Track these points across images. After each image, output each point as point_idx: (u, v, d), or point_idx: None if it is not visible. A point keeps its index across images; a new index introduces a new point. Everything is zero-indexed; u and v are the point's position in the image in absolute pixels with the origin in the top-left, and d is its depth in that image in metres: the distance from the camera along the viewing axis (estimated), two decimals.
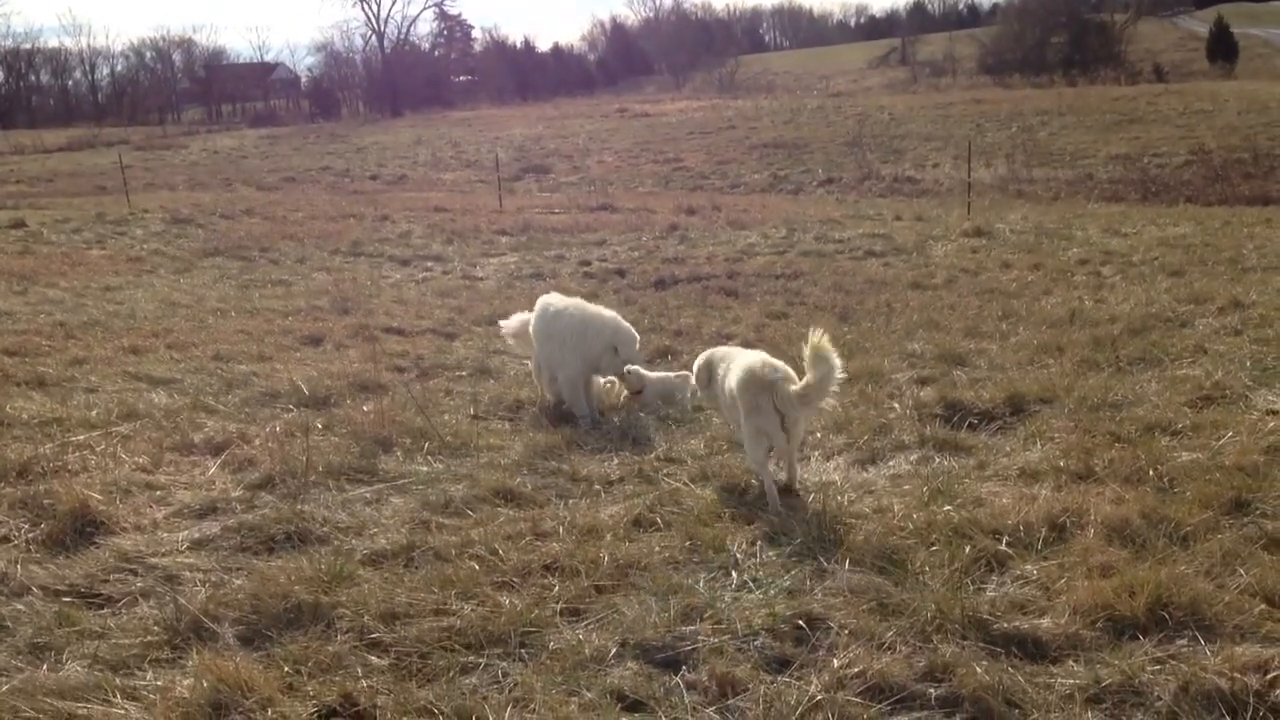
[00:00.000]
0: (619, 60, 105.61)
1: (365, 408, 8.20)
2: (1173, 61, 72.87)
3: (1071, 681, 4.11)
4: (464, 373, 9.81)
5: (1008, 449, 7.02)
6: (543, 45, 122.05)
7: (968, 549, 5.20)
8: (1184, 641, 4.33)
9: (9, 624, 4.83)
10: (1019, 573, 5.02)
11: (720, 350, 7.17)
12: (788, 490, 6.36)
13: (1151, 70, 67.57)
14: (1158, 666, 4.17)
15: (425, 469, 6.92)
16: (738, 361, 6.55)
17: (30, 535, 5.77)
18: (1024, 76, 70.43)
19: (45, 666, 4.43)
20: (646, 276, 15.30)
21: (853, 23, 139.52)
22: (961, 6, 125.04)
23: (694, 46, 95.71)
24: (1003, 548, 5.25)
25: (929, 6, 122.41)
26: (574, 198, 29.30)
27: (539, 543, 5.63)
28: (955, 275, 14.36)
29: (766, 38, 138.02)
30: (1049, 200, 26.56)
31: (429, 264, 17.58)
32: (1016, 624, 4.52)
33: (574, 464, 7.00)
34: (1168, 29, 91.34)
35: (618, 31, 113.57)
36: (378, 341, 10.82)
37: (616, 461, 7.12)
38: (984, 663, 4.22)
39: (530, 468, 6.95)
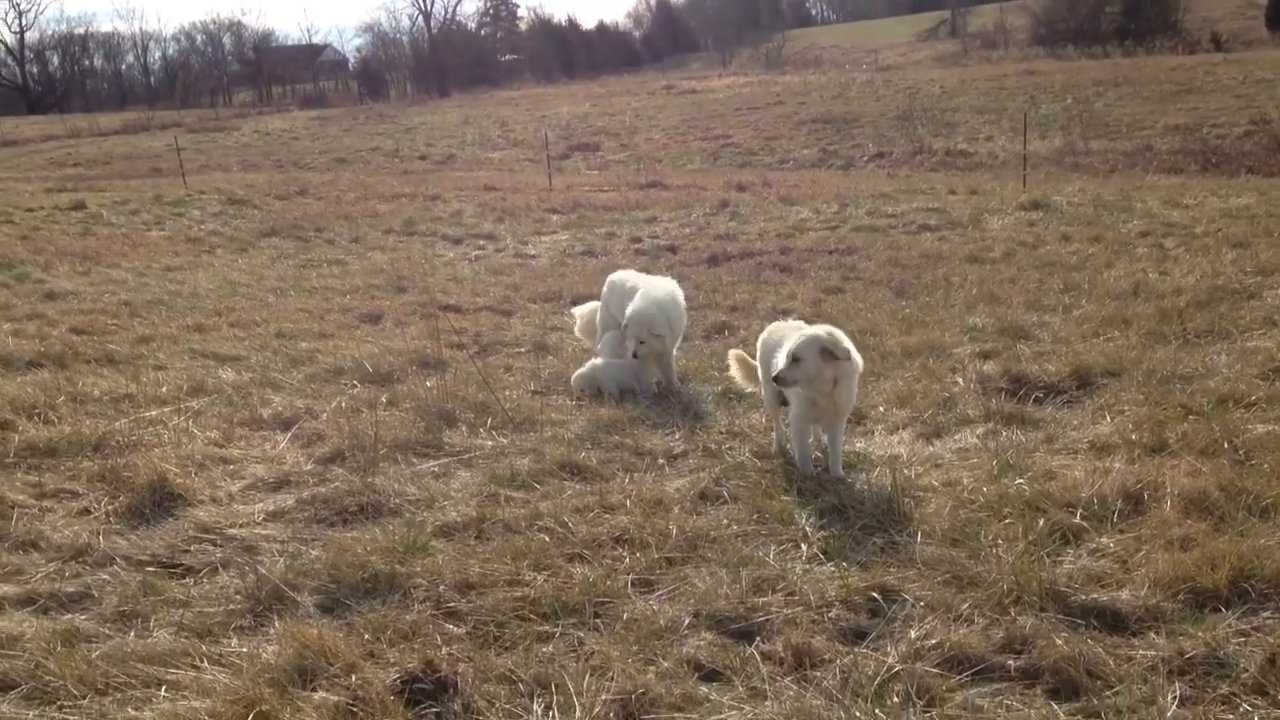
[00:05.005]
0: (665, 37, 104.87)
1: (428, 383, 8.29)
2: (1231, 30, 71.08)
3: (1154, 653, 4.07)
4: (523, 349, 9.87)
5: (1076, 422, 6.94)
6: (588, 23, 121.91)
7: (1041, 522, 5.17)
8: (1268, 613, 4.28)
9: (95, 593, 4.97)
10: (1095, 545, 4.98)
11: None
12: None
13: (1209, 39, 66.00)
14: (1242, 639, 4.12)
15: (490, 443, 6.98)
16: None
17: (110, 507, 5.92)
18: (1078, 47, 68.99)
19: (133, 634, 4.54)
20: (698, 253, 15.26)
21: None
22: None
23: (740, 22, 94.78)
24: (1077, 521, 5.20)
25: None
26: (623, 175, 29.25)
27: (607, 515, 5.67)
28: (1013, 249, 14.17)
29: (813, 11, 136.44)
30: (1106, 172, 26.08)
31: (481, 242, 17.66)
32: (1095, 596, 4.48)
33: (637, 438, 7.03)
34: None
35: (663, 8, 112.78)
36: (436, 319, 10.90)
37: (679, 435, 7.13)
38: (1063, 634, 4.20)
39: (594, 442, 6.99)
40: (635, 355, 8.13)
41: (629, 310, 8.18)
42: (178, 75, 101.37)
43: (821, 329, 6.24)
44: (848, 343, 6.17)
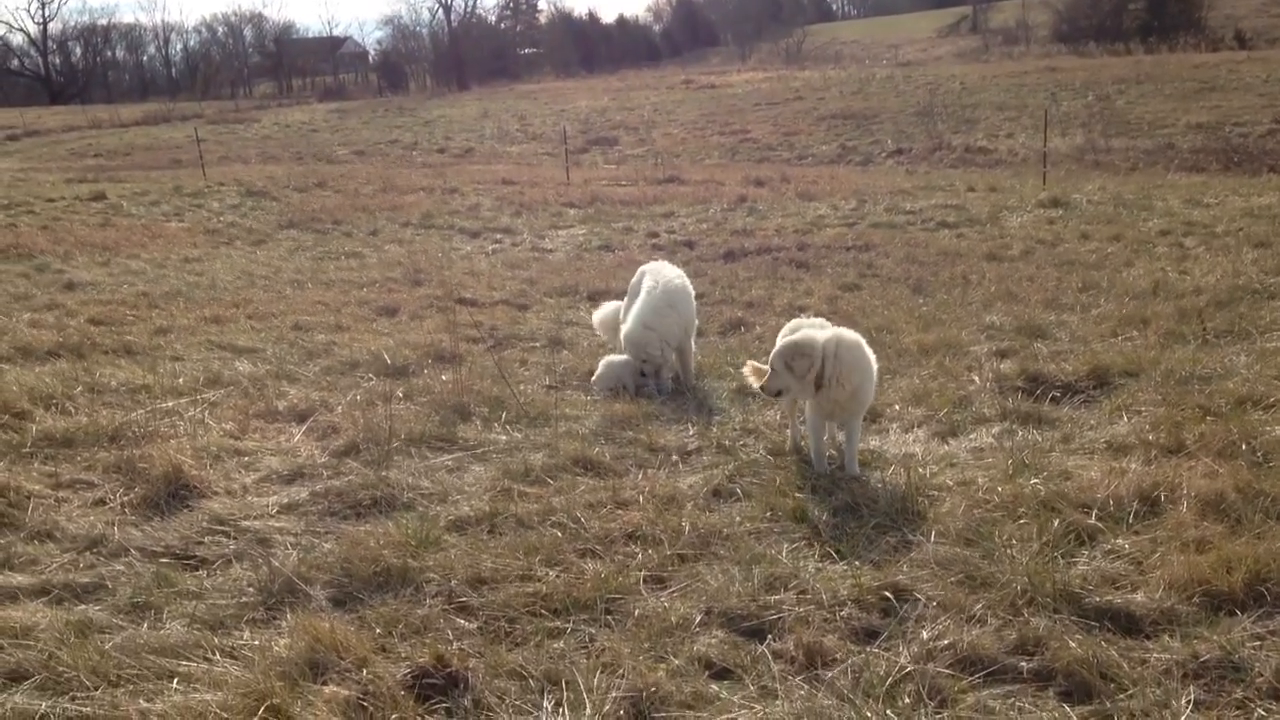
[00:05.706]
0: (684, 31, 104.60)
1: (443, 377, 8.30)
2: (1255, 28, 70.38)
3: (1168, 656, 4.04)
4: (538, 343, 9.87)
5: (1093, 422, 6.89)
6: (608, 16, 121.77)
7: (1056, 523, 5.13)
8: None
9: (109, 584, 4.98)
10: (1110, 547, 4.94)
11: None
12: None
13: (1233, 37, 65.38)
14: (1258, 643, 4.08)
15: (504, 437, 6.98)
16: None
17: (125, 498, 5.94)
18: (1100, 44, 68.45)
19: (146, 625, 4.56)
20: (715, 248, 15.24)
21: None
22: None
23: (760, 16, 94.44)
24: (1092, 521, 5.16)
25: None
26: (640, 170, 29.22)
27: (620, 511, 5.65)
28: (1032, 246, 14.10)
29: (834, 6, 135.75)
30: (1127, 171, 25.92)
31: (498, 236, 17.69)
32: (1109, 598, 4.45)
33: (651, 434, 7.02)
34: None
35: (683, 2, 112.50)
36: (452, 312, 10.91)
37: (693, 432, 7.12)
38: (1077, 637, 4.17)
39: (608, 437, 6.98)
40: (644, 374, 8.14)
41: (622, 331, 8.25)
42: (199, 67, 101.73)
43: (798, 335, 6.26)
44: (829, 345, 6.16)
